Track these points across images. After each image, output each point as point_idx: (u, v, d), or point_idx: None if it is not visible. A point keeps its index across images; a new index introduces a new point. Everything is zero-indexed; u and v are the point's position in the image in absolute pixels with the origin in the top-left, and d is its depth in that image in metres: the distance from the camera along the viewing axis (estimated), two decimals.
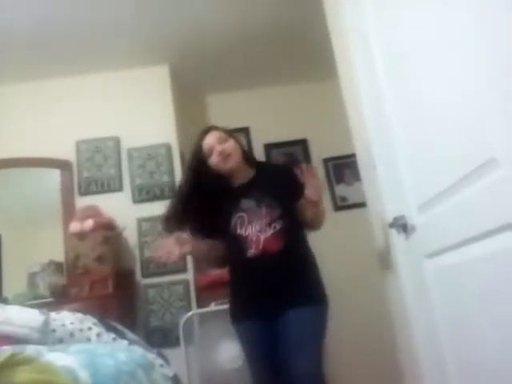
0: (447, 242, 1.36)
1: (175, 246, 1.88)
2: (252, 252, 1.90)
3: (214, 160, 1.97)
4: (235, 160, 2.00)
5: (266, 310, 1.89)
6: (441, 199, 1.37)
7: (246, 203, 1.97)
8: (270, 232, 1.91)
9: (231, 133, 2.09)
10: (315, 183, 1.82)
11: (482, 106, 1.09)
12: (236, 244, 1.95)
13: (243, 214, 1.95)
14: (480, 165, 1.12)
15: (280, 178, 2.04)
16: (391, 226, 1.67)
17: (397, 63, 1.60)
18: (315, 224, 2.01)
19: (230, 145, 2.00)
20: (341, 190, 3.70)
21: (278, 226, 1.91)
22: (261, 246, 1.90)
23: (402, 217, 1.62)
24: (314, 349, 1.85)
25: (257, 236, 1.91)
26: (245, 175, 2.05)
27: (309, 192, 1.82)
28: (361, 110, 1.93)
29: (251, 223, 1.93)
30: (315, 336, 1.87)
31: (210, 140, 1.99)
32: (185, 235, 1.96)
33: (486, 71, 1.07)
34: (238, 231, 1.93)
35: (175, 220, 2.02)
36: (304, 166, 1.81)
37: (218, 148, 1.96)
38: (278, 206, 1.94)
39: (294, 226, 1.98)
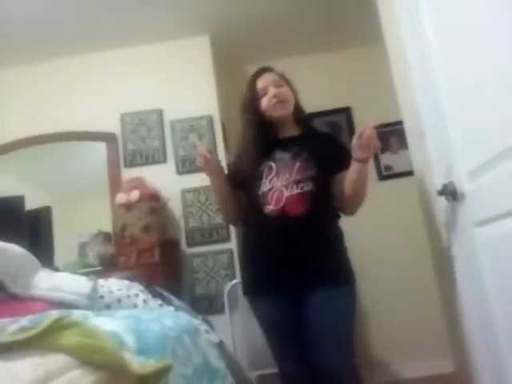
0: (499, 210, 1.30)
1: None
2: (270, 208, 1.72)
3: (264, 103, 1.81)
4: (287, 109, 1.83)
5: (288, 285, 1.70)
6: (493, 165, 1.30)
7: (280, 154, 1.78)
8: (295, 191, 1.71)
9: (288, 80, 1.90)
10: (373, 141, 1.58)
11: None
12: (255, 197, 1.77)
13: (272, 164, 1.77)
14: None
15: (325, 143, 1.88)
16: (440, 193, 1.61)
17: (447, 24, 1.51)
18: (355, 199, 1.76)
19: (286, 91, 1.83)
20: (386, 158, 3.60)
21: (306, 188, 1.72)
22: (282, 204, 1.70)
23: (452, 184, 1.56)
24: (347, 335, 1.70)
25: (280, 191, 1.72)
26: (289, 131, 1.88)
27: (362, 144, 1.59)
28: (408, 74, 1.85)
29: (278, 176, 1.74)
30: (348, 320, 1.71)
31: (265, 80, 1.83)
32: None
33: None
34: (263, 180, 1.75)
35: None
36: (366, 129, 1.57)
37: (273, 91, 1.79)
38: (314, 167, 1.75)
39: (324, 196, 1.78)
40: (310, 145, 1.82)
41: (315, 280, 1.68)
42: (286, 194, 1.72)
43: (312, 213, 1.71)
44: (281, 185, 1.73)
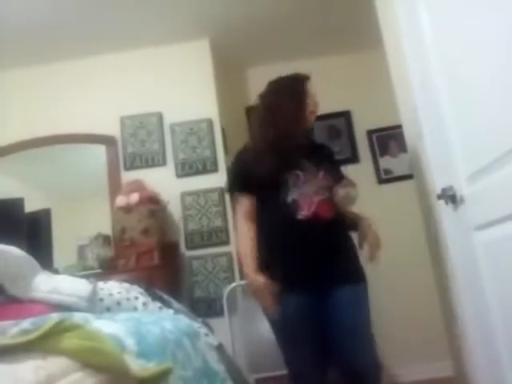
0: (498, 214, 1.31)
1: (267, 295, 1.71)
2: (303, 214, 1.77)
3: (310, 107, 1.91)
4: (313, 121, 1.96)
5: (316, 283, 1.74)
6: (492, 169, 1.31)
7: (306, 163, 1.86)
8: (323, 196, 1.81)
9: None
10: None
11: None
12: (283, 203, 1.80)
13: (299, 173, 1.83)
14: None
15: (329, 155, 2.03)
16: (439, 197, 1.62)
17: (446, 27, 1.51)
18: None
19: None
20: (385, 162, 3.60)
21: (329, 194, 1.82)
22: (313, 209, 1.78)
23: (451, 188, 1.56)
24: (369, 331, 1.75)
25: (310, 198, 1.79)
26: (302, 138, 1.93)
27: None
28: (407, 78, 1.86)
29: (306, 183, 1.82)
30: (369, 318, 1.77)
31: (312, 87, 1.96)
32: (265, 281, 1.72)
33: None
34: (291, 188, 1.80)
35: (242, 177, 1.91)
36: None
37: (315, 101, 1.93)
38: (332, 177, 1.86)
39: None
40: (323, 155, 1.96)
41: (342, 277, 1.75)
42: (316, 199, 1.80)
43: (337, 217, 1.82)
44: (310, 191, 1.81)
